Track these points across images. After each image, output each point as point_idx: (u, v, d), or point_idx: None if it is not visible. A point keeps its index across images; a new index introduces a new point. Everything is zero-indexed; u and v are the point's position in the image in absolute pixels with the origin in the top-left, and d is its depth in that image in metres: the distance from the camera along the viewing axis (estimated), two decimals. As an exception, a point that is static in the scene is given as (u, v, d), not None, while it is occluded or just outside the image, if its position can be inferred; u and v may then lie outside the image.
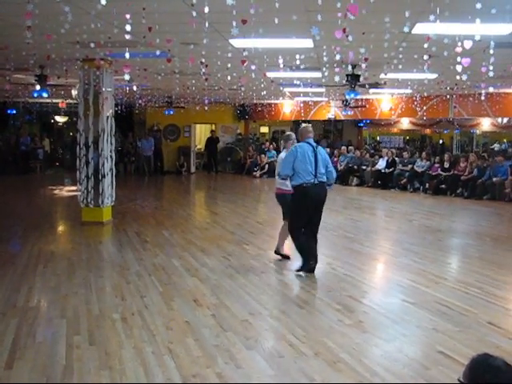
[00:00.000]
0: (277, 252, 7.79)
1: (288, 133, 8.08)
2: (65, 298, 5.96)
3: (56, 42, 7.63)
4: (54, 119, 26.04)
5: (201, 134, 25.70)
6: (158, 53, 7.01)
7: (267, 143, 23.25)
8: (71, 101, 18.09)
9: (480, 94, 15.77)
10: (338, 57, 6.27)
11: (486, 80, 10.56)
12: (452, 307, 5.79)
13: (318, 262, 7.16)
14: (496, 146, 28.65)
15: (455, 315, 5.55)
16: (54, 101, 20.01)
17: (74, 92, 14.23)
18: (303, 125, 7.56)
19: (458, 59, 5.82)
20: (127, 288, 6.36)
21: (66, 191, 16.54)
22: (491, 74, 5.96)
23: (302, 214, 7.09)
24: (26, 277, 6.83)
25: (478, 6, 4.52)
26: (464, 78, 7.61)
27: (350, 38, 5.11)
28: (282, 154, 7.56)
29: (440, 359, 4.43)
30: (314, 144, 7.20)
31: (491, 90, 14.68)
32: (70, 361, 4.31)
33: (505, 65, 7.93)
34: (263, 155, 21.99)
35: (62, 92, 15.67)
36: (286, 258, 7.75)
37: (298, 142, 7.33)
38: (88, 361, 4.31)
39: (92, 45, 7.24)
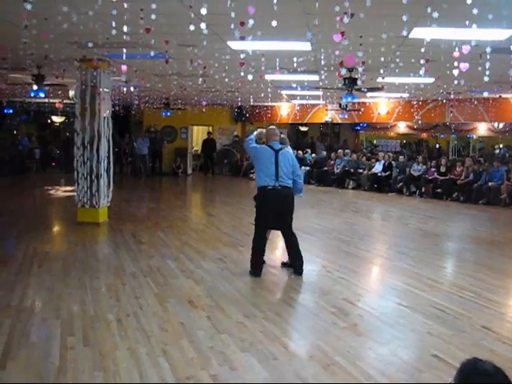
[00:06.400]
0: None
1: (259, 130, 7.69)
2: (59, 299, 5.95)
3: (54, 41, 7.62)
4: (50, 119, 26.00)
5: (198, 135, 25.70)
6: (153, 54, 7.01)
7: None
8: (68, 101, 18.07)
9: (476, 99, 15.87)
10: (336, 60, 6.28)
11: (482, 85, 10.61)
12: (446, 311, 5.80)
13: (303, 262, 7.12)
14: (497, 150, 28.82)
15: (450, 319, 5.56)
16: (51, 101, 20.00)
17: (71, 92, 14.22)
18: (269, 126, 7.50)
19: (455, 64, 5.85)
20: (122, 289, 6.35)
21: (62, 191, 16.51)
22: (486, 78, 5.98)
23: (263, 216, 7.07)
24: (20, 277, 6.81)
25: (475, 11, 4.53)
26: (461, 82, 7.64)
27: (346, 41, 5.12)
28: None
29: (434, 363, 4.44)
30: (278, 147, 7.02)
31: (486, 94, 14.73)
32: (63, 362, 4.29)
33: (501, 70, 7.95)
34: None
35: (59, 92, 15.66)
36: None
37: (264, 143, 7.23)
38: (82, 362, 4.30)
39: (90, 45, 7.24)
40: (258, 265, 7.09)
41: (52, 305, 5.76)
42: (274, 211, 7.02)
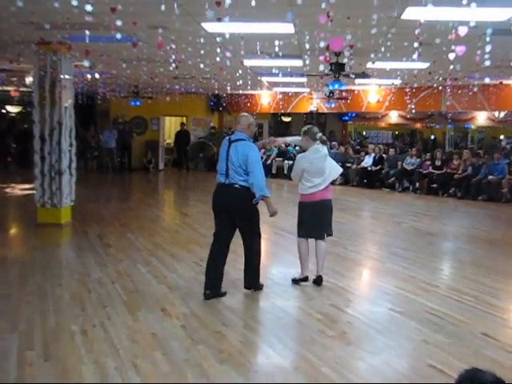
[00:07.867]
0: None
1: (308, 126, 7.22)
2: (17, 309, 5.89)
3: (6, 21, 7.52)
4: (5, 109, 25.70)
5: (170, 127, 25.62)
6: (120, 37, 6.93)
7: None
8: (25, 89, 17.88)
9: (475, 86, 15.97)
10: (321, 44, 6.27)
11: (481, 70, 10.68)
12: (443, 317, 5.85)
13: (254, 281, 6.64)
14: (504, 141, 29.07)
15: (447, 326, 5.61)
16: (6, 88, 19.78)
17: (28, 79, 14.07)
18: (241, 113, 6.97)
19: (452, 47, 5.88)
20: (88, 297, 6.31)
21: (20, 189, 16.34)
22: (487, 63, 6.02)
23: (214, 218, 6.60)
24: (-27, 285, 6.74)
25: (474, -12, 4.58)
26: (458, 67, 7.69)
27: (332, 23, 5.12)
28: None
29: (430, 373, 4.47)
30: (236, 138, 6.36)
31: (487, 81, 14.87)
32: (21, 379, 4.24)
33: (503, 54, 8.02)
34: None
35: (15, 79, 15.50)
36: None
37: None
38: (43, 379, 4.25)
39: (48, 26, 7.15)
40: (206, 279, 6.46)
41: (8, 316, 5.69)
42: (222, 212, 6.41)
